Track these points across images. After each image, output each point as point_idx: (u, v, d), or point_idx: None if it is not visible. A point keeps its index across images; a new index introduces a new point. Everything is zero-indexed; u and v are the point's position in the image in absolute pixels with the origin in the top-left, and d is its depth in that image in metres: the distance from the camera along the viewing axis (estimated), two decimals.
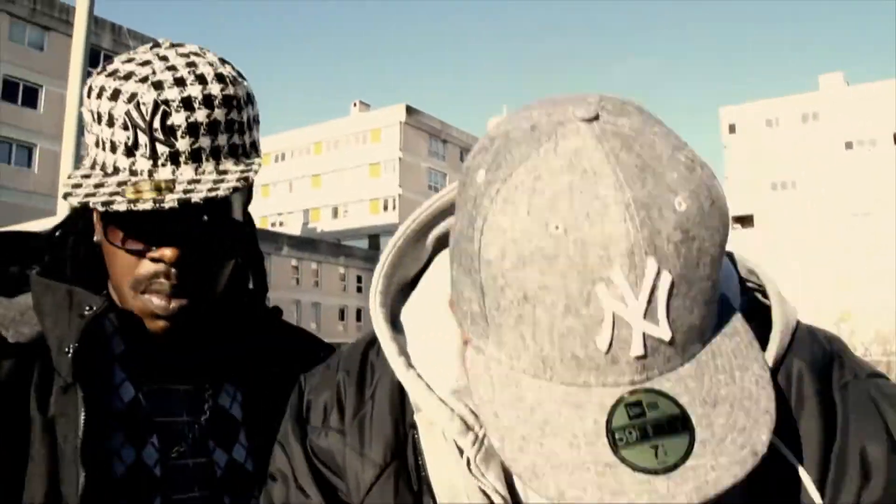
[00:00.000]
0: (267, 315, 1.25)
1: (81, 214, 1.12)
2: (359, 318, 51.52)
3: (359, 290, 54.39)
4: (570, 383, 0.60)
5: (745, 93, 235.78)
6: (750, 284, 0.82)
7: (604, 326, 0.57)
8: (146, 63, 1.02)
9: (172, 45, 1.07)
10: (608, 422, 0.58)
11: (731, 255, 0.82)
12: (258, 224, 1.20)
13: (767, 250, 64.47)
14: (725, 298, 0.69)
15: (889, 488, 0.69)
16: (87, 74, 4.82)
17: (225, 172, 1.01)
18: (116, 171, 1.01)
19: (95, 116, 1.02)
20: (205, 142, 1.00)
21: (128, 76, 1.01)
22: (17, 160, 34.60)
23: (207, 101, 1.00)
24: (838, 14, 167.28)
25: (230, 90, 1.03)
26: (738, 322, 0.67)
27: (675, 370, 0.60)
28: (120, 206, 0.94)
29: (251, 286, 1.26)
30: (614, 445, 0.58)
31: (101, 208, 0.96)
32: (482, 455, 0.75)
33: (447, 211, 0.83)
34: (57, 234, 1.13)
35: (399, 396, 0.83)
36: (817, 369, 0.74)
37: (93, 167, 1.04)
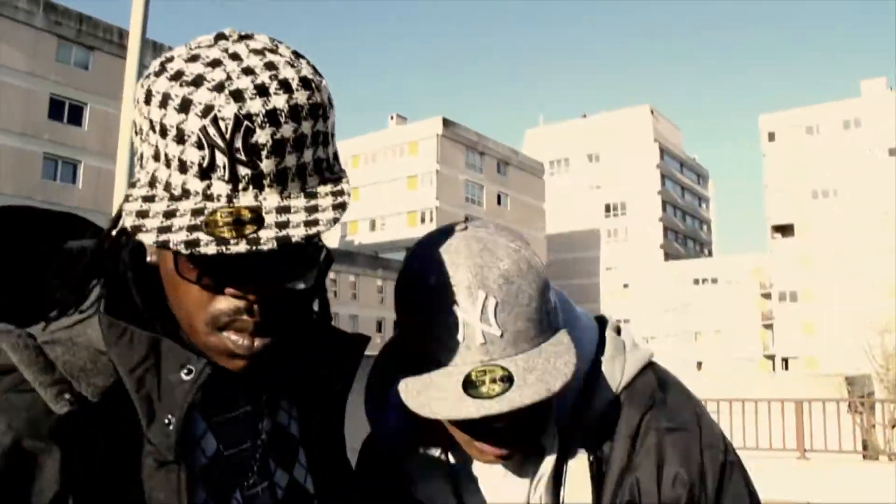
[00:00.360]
0: (322, 323, 1.15)
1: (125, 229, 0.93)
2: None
3: None
4: (449, 364, 1.02)
5: (784, 100, 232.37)
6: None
7: (459, 326, 1.01)
8: (216, 63, 0.86)
9: (241, 38, 0.91)
10: (465, 378, 0.99)
11: (601, 321, 1.25)
12: None
13: (807, 259, 63.47)
14: (569, 335, 1.07)
15: None
16: None
17: (314, 195, 0.87)
18: (186, 194, 0.85)
19: (157, 128, 0.86)
20: (290, 160, 0.86)
21: (197, 82, 0.84)
22: (63, 177, 35.48)
23: (294, 112, 0.85)
24: (880, 17, 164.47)
25: (316, 97, 0.88)
26: (565, 338, 1.06)
27: (511, 357, 1.01)
28: (208, 248, 0.79)
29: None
30: (466, 391, 0.98)
31: (184, 251, 0.80)
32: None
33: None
34: (113, 232, 0.98)
35: None
36: (634, 413, 1.13)
37: (152, 184, 0.88)
